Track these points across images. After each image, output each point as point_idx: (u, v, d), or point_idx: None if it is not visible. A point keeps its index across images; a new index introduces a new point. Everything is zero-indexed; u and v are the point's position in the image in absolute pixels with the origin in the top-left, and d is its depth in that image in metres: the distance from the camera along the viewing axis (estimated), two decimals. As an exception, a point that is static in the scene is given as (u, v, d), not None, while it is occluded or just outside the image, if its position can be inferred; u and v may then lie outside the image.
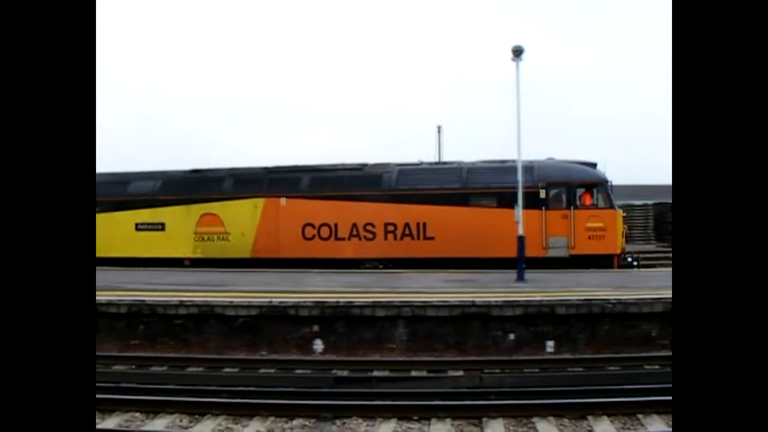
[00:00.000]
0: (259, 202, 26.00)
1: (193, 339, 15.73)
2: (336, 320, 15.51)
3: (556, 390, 11.15)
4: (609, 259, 23.54)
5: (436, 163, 27.20)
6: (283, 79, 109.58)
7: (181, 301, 15.93)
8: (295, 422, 9.78)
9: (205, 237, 26.49)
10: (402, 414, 9.95)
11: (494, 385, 11.66)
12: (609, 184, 24.21)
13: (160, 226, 26.94)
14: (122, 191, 27.28)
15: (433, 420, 9.78)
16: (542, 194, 23.58)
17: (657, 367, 13.48)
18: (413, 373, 13.35)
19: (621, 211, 24.86)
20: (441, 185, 24.72)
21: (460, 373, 13.06)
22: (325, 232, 25.49)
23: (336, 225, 25.33)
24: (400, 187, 25.07)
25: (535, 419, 9.81)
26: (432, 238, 24.55)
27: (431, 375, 13.11)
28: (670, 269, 21.18)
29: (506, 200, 23.08)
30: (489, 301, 15.40)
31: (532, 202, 22.94)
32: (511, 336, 15.31)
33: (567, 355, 14.79)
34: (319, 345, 15.38)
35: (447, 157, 34.12)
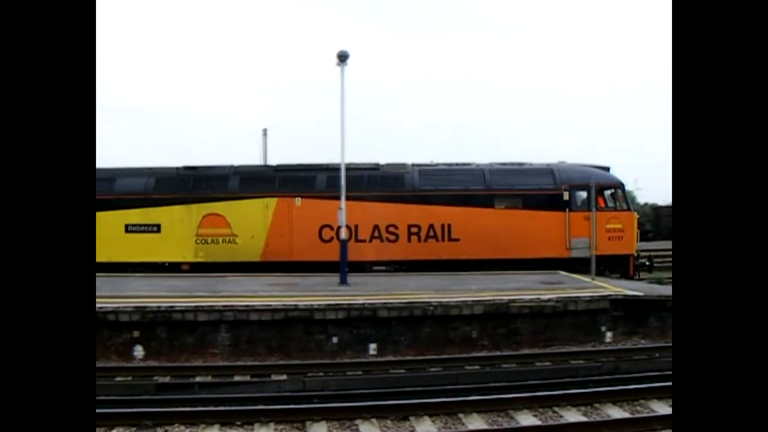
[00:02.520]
0: (271, 202, 24.65)
1: None
2: (157, 325, 15.25)
3: (379, 392, 11.49)
4: (626, 260, 24.39)
5: (453, 164, 26.13)
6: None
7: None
8: (114, 431, 9.56)
9: (209, 239, 24.67)
10: (225, 419, 9.97)
11: (317, 388, 11.89)
12: (625, 187, 25.34)
13: (155, 228, 24.73)
14: (108, 189, 24.53)
15: (257, 425, 9.87)
16: (565, 197, 24.23)
17: (477, 367, 14.20)
18: (236, 378, 13.33)
19: (636, 213, 25.85)
20: (466, 186, 24.63)
21: (284, 377, 13.18)
22: (345, 233, 24.26)
23: (357, 226, 24.28)
24: (424, 188, 24.74)
25: (357, 421, 10.09)
26: (457, 240, 24.37)
27: (254, 379, 13.15)
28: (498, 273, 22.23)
29: (531, 202, 24.09)
30: (312, 305, 15.61)
31: (556, 204, 24.01)
32: (335, 339, 15.59)
33: (390, 357, 15.23)
34: (139, 351, 15.05)
35: (272, 161, 33.51)
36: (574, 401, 10.97)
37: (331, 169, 23.97)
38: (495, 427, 9.87)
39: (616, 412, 10.57)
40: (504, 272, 22.73)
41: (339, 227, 21.69)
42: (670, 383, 11.86)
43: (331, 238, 23.78)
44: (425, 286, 18.88)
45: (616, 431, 9.49)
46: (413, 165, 25.48)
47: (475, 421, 10.13)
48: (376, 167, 25.33)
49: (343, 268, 20.15)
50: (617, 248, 24.19)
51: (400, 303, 16.10)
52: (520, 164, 25.59)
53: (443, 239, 24.34)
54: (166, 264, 24.43)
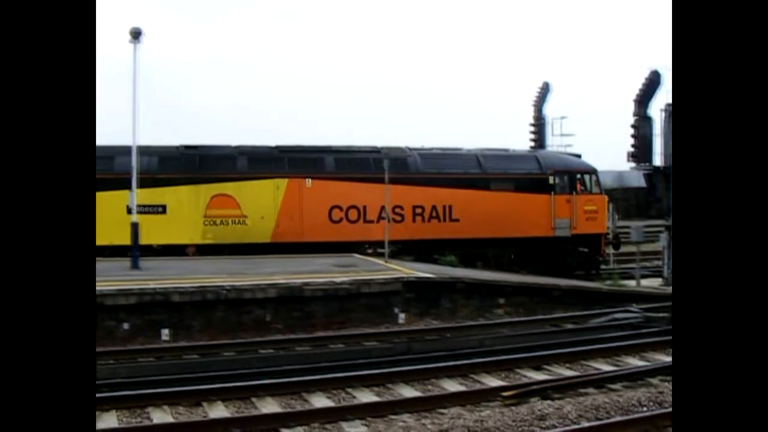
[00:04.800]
0: (282, 182, 24.57)
1: None
2: None
3: (172, 378, 11.39)
4: (599, 238, 26.78)
5: (447, 149, 27.59)
6: None
7: None
8: None
9: (218, 221, 24.04)
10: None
11: (107, 376, 11.59)
12: (597, 172, 27.58)
13: (161, 209, 23.73)
14: (108, 167, 22.82)
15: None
16: (551, 181, 26.36)
17: (271, 350, 14.34)
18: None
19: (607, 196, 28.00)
20: (465, 170, 26.18)
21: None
22: (353, 214, 25.00)
23: (365, 207, 25.02)
24: (427, 171, 25.94)
25: (149, 409, 9.99)
26: (457, 220, 25.71)
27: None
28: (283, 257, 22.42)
29: (522, 185, 26.28)
30: (102, 290, 15.14)
31: (542, 188, 26.24)
32: (126, 325, 15.24)
33: (183, 343, 15.07)
34: None
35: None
36: (367, 382, 11.39)
37: (339, 151, 25.68)
38: (288, 410, 10.07)
39: (408, 392, 11.06)
40: (300, 256, 23.03)
41: (335, 207, 24.18)
42: (459, 362, 12.60)
43: (341, 219, 24.83)
44: (219, 270, 18.78)
45: (408, 410, 9.94)
46: (410, 149, 26.78)
47: (269, 405, 10.30)
48: (377, 150, 26.33)
49: (135, 251, 19.65)
50: (592, 228, 26.71)
51: (192, 287, 15.97)
52: (505, 150, 27.63)
53: (445, 220, 25.83)
54: (154, 246, 23.51)
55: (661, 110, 25.65)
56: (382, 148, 26.54)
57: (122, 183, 22.74)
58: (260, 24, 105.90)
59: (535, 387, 10.66)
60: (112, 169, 23.38)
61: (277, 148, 25.82)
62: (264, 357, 13.69)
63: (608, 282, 22.55)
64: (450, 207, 25.92)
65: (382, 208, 25.01)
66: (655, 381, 11.51)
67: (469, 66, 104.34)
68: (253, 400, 10.53)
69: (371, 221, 25.25)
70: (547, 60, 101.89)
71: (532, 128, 30.70)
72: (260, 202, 24.49)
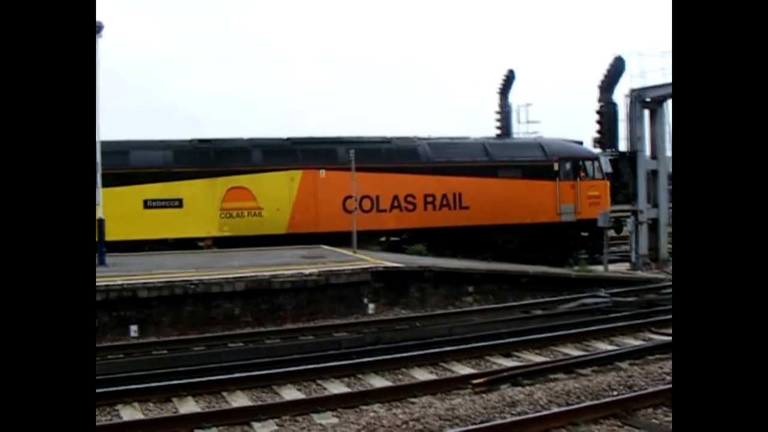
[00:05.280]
0: (296, 174, 24.97)
1: None
2: None
3: (141, 374, 11.34)
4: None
5: (454, 138, 28.10)
6: None
7: None
8: None
9: (234, 213, 24.31)
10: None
11: (75, 375, 11.47)
12: (600, 158, 27.92)
13: (177, 203, 23.93)
14: (124, 162, 23.47)
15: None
16: (555, 167, 26.94)
17: (241, 344, 14.31)
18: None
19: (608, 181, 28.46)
20: (473, 158, 26.70)
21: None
22: (366, 204, 25.43)
23: (378, 197, 25.63)
24: (437, 160, 26.47)
25: (119, 406, 9.94)
26: (467, 208, 26.33)
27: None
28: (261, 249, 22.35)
29: (528, 172, 26.75)
30: (66, 287, 14.94)
31: (548, 174, 26.80)
32: (92, 323, 15.09)
33: (152, 339, 15.00)
34: None
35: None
36: (337, 373, 11.42)
37: (350, 142, 25.52)
38: (259, 403, 10.07)
39: (378, 382, 11.11)
40: (268, 248, 23.00)
41: (348, 197, 24.30)
42: (429, 350, 12.68)
43: (355, 209, 24.55)
44: (187, 264, 18.69)
45: (379, 399, 9.98)
46: (419, 138, 27.31)
47: (239, 399, 10.30)
48: (387, 140, 26.83)
49: (101, 247, 19.44)
50: (596, 212, 26.69)
51: (160, 282, 15.87)
52: (510, 138, 28.35)
53: (455, 207, 26.41)
54: (169, 240, 23.88)
55: (626, 96, 25.74)
56: (391, 138, 27.08)
57: (138, 177, 23.53)
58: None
59: (505, 374, 10.75)
60: (127, 163, 23.85)
61: (290, 140, 26.13)
62: (234, 351, 13.65)
63: (576, 267, 22.77)
64: (460, 195, 26.52)
65: (395, 197, 25.89)
66: (624, 365, 11.66)
67: (435, 53, 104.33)
68: (224, 394, 10.51)
69: (384, 210, 25.91)
70: (512, 47, 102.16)
71: (498, 116, 30.81)
72: (276, 194, 24.80)
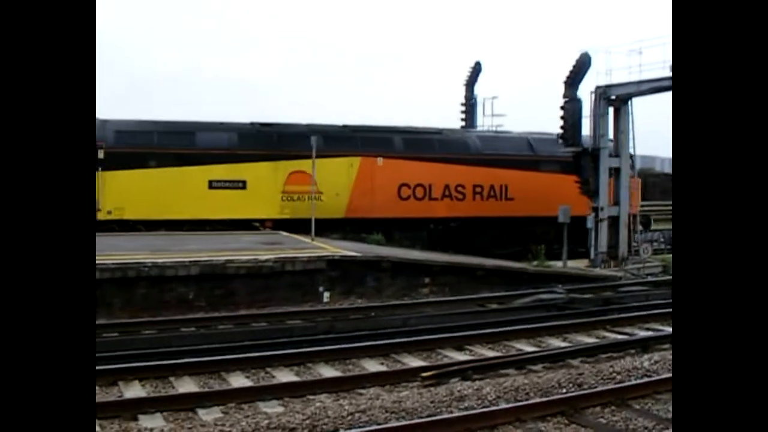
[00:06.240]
0: (356, 161, 26.19)
1: None
2: None
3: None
4: (633, 218, 28.24)
5: (499, 132, 29.70)
6: None
7: None
8: None
9: (295, 197, 25.27)
10: None
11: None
12: (634, 156, 29.16)
13: (241, 184, 24.83)
14: (189, 143, 24.63)
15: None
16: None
17: (193, 329, 14.19)
18: None
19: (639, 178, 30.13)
20: (518, 152, 28.07)
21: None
22: (419, 192, 26.91)
23: (430, 186, 27.00)
24: (486, 152, 28.00)
25: (62, 389, 9.77)
26: (512, 199, 27.87)
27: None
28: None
29: (568, 167, 27.20)
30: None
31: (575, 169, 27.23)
32: (40, 303, 14.88)
33: (103, 321, 14.81)
34: None
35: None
36: (287, 361, 11.38)
37: (406, 131, 27.59)
38: (206, 389, 10.00)
39: (328, 371, 11.09)
40: (226, 232, 22.88)
41: (403, 185, 26.57)
42: (381, 341, 12.68)
43: (408, 196, 26.75)
44: (142, 246, 18.51)
45: (326, 389, 9.96)
46: (465, 131, 29.41)
47: (187, 384, 10.22)
48: (439, 131, 28.44)
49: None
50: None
51: (112, 264, 15.68)
52: (549, 134, 28.97)
53: (501, 198, 28.04)
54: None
55: (591, 92, 25.87)
56: (443, 129, 28.74)
57: (203, 158, 24.35)
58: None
59: (455, 368, 10.77)
60: (194, 144, 24.69)
61: (348, 127, 27.24)
62: (185, 335, 13.56)
63: (535, 262, 22.91)
64: (506, 186, 28.08)
65: (446, 186, 27.30)
66: (575, 362, 11.74)
67: (402, 44, 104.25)
68: (171, 379, 10.42)
69: (436, 199, 27.26)
70: (479, 40, 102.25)
71: (463, 108, 30.88)
72: (335, 179, 25.74)
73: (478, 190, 27.89)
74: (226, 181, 24.70)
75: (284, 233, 23.25)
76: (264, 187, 25.07)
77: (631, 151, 28.21)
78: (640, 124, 26.63)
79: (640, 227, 29.57)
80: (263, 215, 25.23)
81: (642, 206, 31.38)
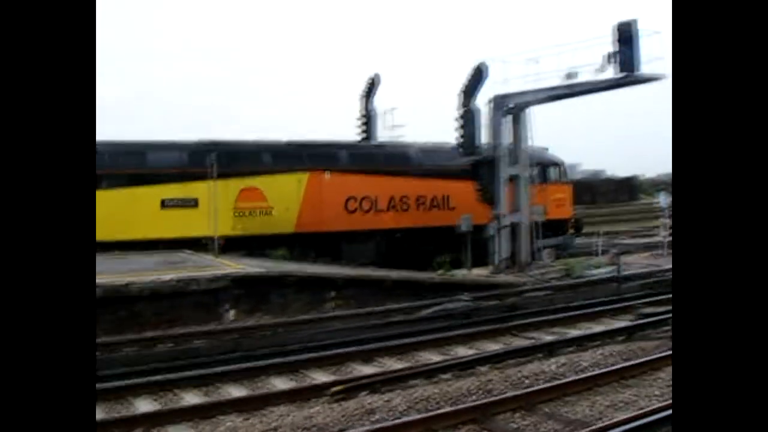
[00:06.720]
0: (304, 176, 26.68)
1: None
2: None
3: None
4: (565, 223, 30.21)
5: (438, 144, 29.86)
6: None
7: None
8: None
9: (246, 212, 25.56)
10: None
11: None
12: (565, 164, 31.10)
13: (193, 203, 24.79)
14: (140, 163, 24.61)
15: None
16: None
17: (97, 353, 13.82)
18: None
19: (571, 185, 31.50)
20: (457, 163, 27.53)
21: None
22: (366, 204, 27.62)
23: (376, 198, 27.82)
24: (427, 164, 28.94)
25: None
26: (454, 209, 28.13)
27: None
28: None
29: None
30: None
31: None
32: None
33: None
34: None
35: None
36: (194, 382, 11.26)
37: (351, 146, 29.05)
38: (113, 416, 9.79)
39: (236, 391, 11.00)
40: (128, 253, 22.40)
41: (350, 198, 27.18)
42: (289, 358, 12.64)
43: (356, 209, 27.46)
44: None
45: (236, 409, 9.88)
46: (410, 144, 29.78)
47: (91, 412, 9.97)
48: (381, 145, 29.67)
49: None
50: (561, 213, 30.01)
51: None
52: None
53: (444, 208, 28.96)
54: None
55: (489, 102, 26.28)
56: (386, 143, 29.86)
57: (155, 178, 24.30)
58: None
59: (363, 381, 10.84)
60: (144, 164, 24.57)
61: (293, 143, 27.79)
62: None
63: (440, 271, 23.15)
64: (447, 197, 29.04)
65: (391, 198, 28.22)
66: (484, 369, 11.96)
67: (299, 57, 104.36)
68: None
69: (382, 210, 28.09)
70: (376, 53, 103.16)
71: (362, 120, 31.05)
72: (285, 195, 26.36)
73: (421, 200, 28.84)
74: (178, 200, 24.84)
75: (188, 252, 22.92)
76: (216, 205, 25.11)
77: (560, 157, 30.16)
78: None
79: (571, 231, 30.88)
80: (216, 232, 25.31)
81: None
